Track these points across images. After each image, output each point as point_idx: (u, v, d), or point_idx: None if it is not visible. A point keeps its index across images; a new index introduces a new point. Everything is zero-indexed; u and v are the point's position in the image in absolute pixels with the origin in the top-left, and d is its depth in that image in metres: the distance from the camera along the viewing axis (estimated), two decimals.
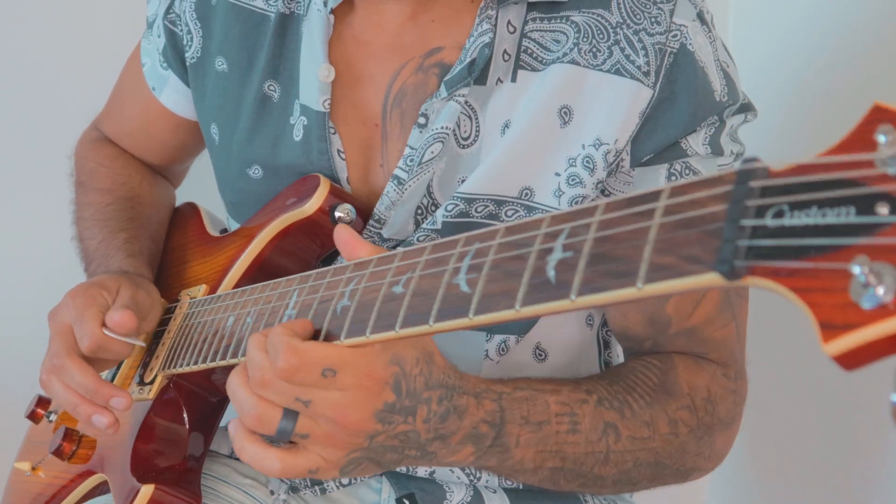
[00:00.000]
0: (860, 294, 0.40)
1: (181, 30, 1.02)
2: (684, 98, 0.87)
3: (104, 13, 1.43)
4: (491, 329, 0.92)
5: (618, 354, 1.07)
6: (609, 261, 0.51)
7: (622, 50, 0.88)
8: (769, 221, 0.44)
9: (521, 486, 0.98)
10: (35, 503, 1.07)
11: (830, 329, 0.40)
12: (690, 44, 0.88)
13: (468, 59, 0.88)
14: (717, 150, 0.91)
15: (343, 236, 0.74)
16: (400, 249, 0.68)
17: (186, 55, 1.02)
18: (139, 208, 1.12)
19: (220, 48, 0.99)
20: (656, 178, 0.90)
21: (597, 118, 0.88)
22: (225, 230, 1.11)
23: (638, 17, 0.88)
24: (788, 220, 0.43)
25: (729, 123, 0.92)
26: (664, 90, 0.87)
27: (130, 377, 1.00)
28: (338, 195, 0.90)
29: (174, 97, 1.09)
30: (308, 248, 0.93)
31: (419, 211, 0.92)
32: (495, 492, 0.98)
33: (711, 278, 0.45)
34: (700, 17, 0.90)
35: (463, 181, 0.91)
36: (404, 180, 0.90)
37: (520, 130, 0.89)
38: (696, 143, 0.90)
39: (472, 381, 0.77)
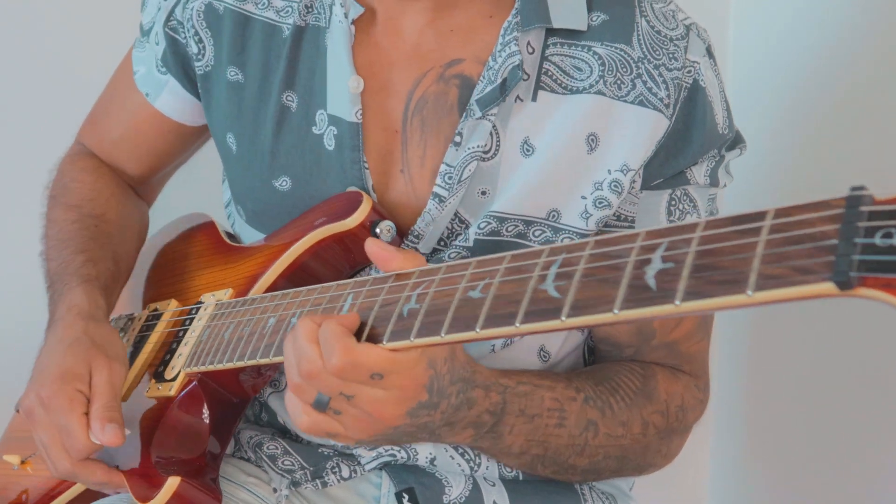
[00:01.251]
0: None
1: (184, 37, 1.04)
2: (695, 131, 0.97)
3: (104, 19, 1.44)
4: None
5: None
6: (714, 270, 0.57)
7: (644, 83, 0.96)
8: (878, 241, 0.51)
9: (520, 478, 1.03)
10: (14, 492, 1.06)
11: None
12: (702, 80, 0.97)
13: (499, 80, 0.94)
14: (714, 182, 1.01)
15: (373, 249, 0.80)
16: (473, 259, 0.73)
17: (197, 64, 1.04)
18: (103, 226, 1.12)
19: (231, 58, 1.02)
20: (659, 201, 0.99)
21: (623, 145, 0.95)
22: (230, 235, 1.13)
23: (657, 52, 0.96)
24: None
25: (727, 158, 1.02)
26: (678, 122, 0.96)
27: (141, 374, 1.01)
28: (377, 212, 0.94)
29: (171, 102, 1.10)
30: (342, 261, 0.96)
31: (447, 226, 0.97)
32: (494, 484, 1.02)
33: (826, 288, 0.52)
34: (708, 51, 1.00)
35: (483, 193, 0.96)
36: (445, 198, 0.95)
37: (549, 155, 0.95)
38: (699, 173, 1.00)
39: (483, 373, 0.86)
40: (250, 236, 1.07)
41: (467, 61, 0.97)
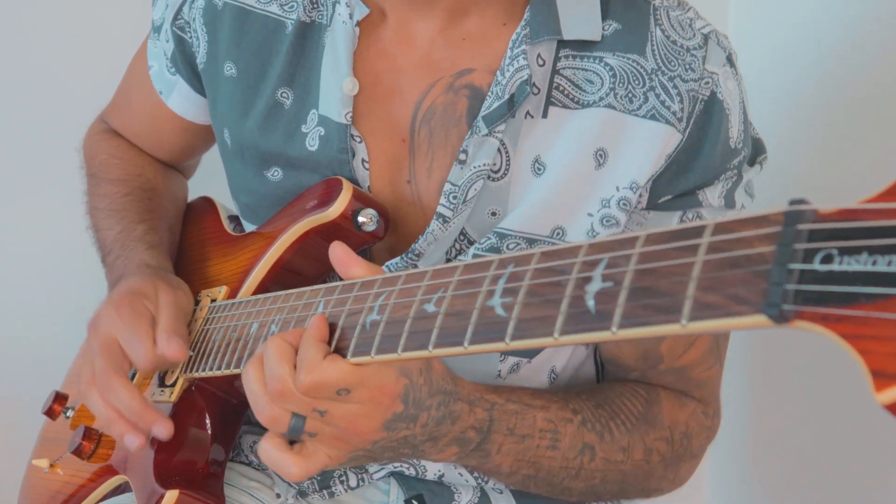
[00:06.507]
0: None
1: (190, 36, 1.01)
2: (708, 146, 0.89)
3: (108, 6, 1.42)
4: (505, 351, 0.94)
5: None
6: (652, 295, 0.51)
7: (657, 96, 0.88)
8: (818, 266, 0.44)
9: None
10: (54, 500, 1.08)
11: (883, 378, 0.41)
12: (720, 92, 0.90)
13: (506, 95, 0.88)
14: (729, 204, 0.93)
15: (337, 254, 0.76)
16: (430, 267, 0.68)
17: (197, 61, 1.02)
18: (156, 199, 1.12)
19: (227, 53, 0.98)
20: (668, 223, 0.92)
21: (632, 161, 0.89)
22: (236, 218, 1.11)
23: (672, 63, 0.89)
24: (838, 266, 0.44)
25: (746, 178, 0.94)
26: (692, 136, 0.89)
27: (150, 377, 1.00)
28: (360, 199, 0.90)
29: (182, 102, 1.09)
30: (326, 253, 0.93)
31: (453, 244, 0.92)
32: (502, 493, 1.00)
33: (759, 320, 0.46)
34: (729, 59, 0.92)
35: (493, 214, 0.91)
36: (449, 218, 0.90)
37: (557, 173, 0.90)
38: (713, 195, 0.92)
39: (466, 387, 0.82)
40: (249, 230, 1.04)
41: (478, 71, 0.91)
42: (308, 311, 0.79)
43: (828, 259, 0.44)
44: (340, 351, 0.72)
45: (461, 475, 0.98)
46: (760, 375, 1.47)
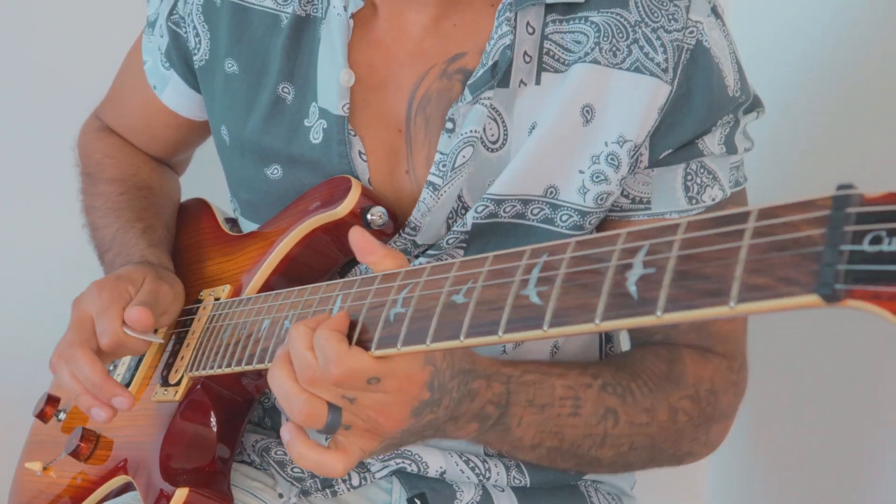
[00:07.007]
0: None
1: (185, 31, 1.02)
2: (700, 94, 0.91)
3: (108, 6, 1.42)
4: None
5: (620, 345, 1.11)
6: (696, 279, 0.53)
7: (641, 48, 0.90)
8: (867, 247, 0.46)
9: (528, 485, 1.01)
10: (38, 500, 1.07)
11: None
12: (706, 40, 0.91)
13: (490, 62, 0.90)
14: (731, 149, 0.94)
15: (356, 238, 0.76)
16: (457, 259, 0.69)
17: (195, 58, 1.02)
18: (152, 198, 1.13)
19: (228, 50, 0.99)
20: (674, 177, 0.93)
21: (618, 115, 0.90)
22: (232, 220, 1.11)
23: (656, 14, 0.90)
24: (887, 247, 0.46)
25: (743, 122, 0.95)
26: (681, 86, 0.90)
27: (149, 377, 1.00)
28: (369, 197, 0.91)
29: (175, 97, 1.09)
30: (335, 250, 0.94)
31: (450, 216, 0.93)
32: (503, 490, 1.01)
33: (811, 300, 0.47)
34: (714, 11, 0.93)
35: (492, 184, 0.92)
36: (439, 186, 0.91)
37: (544, 131, 0.91)
38: (713, 142, 0.93)
39: (483, 363, 0.82)
40: (248, 229, 1.05)
41: (470, 54, 0.93)
42: (325, 306, 0.79)
43: (877, 240, 0.46)
44: (362, 344, 0.73)
45: (462, 472, 0.99)
46: (761, 376, 1.49)
